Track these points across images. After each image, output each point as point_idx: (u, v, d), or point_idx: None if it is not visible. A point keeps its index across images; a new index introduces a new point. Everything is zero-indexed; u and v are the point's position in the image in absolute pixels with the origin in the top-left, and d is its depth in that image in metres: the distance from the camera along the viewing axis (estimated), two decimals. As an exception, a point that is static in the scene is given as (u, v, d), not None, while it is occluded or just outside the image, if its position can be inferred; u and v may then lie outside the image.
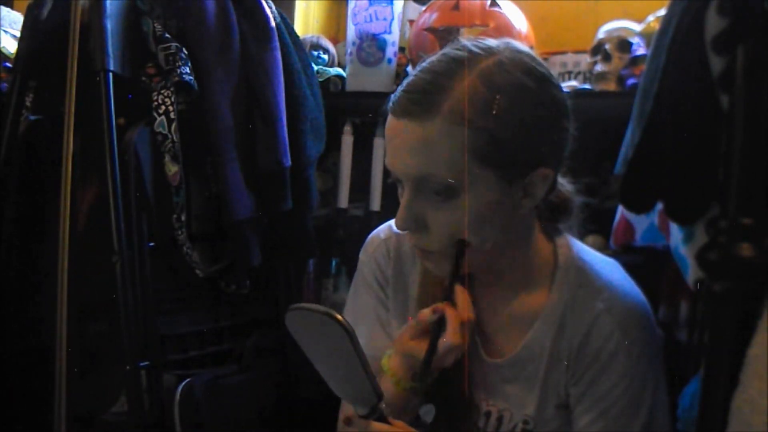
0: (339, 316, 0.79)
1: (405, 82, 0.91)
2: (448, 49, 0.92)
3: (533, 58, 0.91)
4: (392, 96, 0.92)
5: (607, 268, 1.00)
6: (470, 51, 0.89)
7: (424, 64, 0.92)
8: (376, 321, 1.07)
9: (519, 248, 0.98)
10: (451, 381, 0.98)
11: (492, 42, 0.92)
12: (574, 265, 0.99)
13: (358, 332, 1.03)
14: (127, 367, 1.34)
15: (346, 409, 0.95)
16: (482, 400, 1.01)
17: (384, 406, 0.93)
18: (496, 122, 0.86)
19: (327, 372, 0.86)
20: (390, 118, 0.91)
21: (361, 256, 1.11)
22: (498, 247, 0.94)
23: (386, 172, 1.77)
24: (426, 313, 0.92)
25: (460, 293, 0.92)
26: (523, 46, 0.93)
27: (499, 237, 0.93)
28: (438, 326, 0.91)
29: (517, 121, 0.87)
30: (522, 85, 0.88)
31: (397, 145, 0.90)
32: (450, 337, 0.89)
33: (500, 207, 0.90)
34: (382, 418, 0.87)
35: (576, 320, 0.96)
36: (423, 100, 0.87)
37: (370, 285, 1.08)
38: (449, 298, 0.93)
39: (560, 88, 0.93)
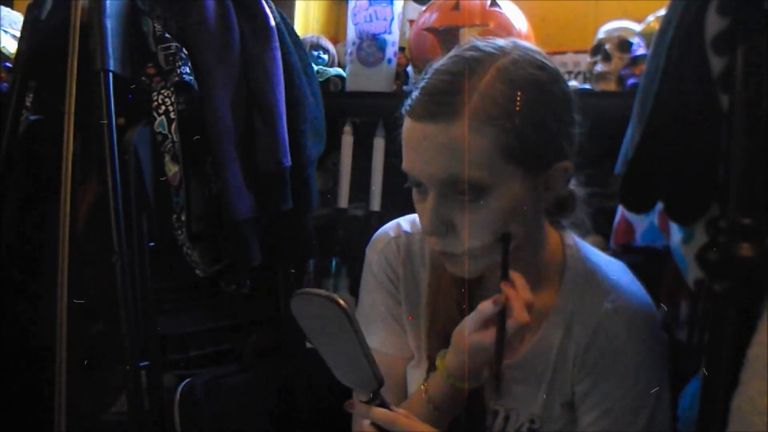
0: (340, 300, 0.79)
1: (421, 85, 0.91)
2: (459, 50, 0.92)
3: (542, 55, 0.94)
4: (408, 100, 0.91)
5: (615, 270, 1.02)
6: (484, 51, 0.90)
7: (438, 67, 0.91)
8: (389, 317, 1.06)
9: (532, 245, 0.98)
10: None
11: (501, 41, 0.93)
12: (583, 266, 1.00)
13: (371, 330, 1.04)
14: (127, 367, 1.34)
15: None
16: (490, 399, 1.01)
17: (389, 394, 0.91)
18: (518, 118, 0.87)
19: (330, 357, 0.86)
20: (409, 122, 0.90)
21: (369, 253, 1.10)
22: (516, 246, 0.94)
23: (387, 172, 1.78)
24: (487, 305, 0.90)
25: (518, 278, 0.90)
26: (530, 45, 0.95)
27: (522, 234, 0.93)
28: (503, 313, 0.89)
29: (537, 116, 0.88)
30: (538, 81, 0.89)
31: (418, 148, 0.89)
32: (518, 315, 0.87)
33: (526, 202, 0.91)
34: (384, 404, 0.87)
35: (584, 320, 0.97)
36: (444, 101, 0.87)
37: (381, 283, 1.07)
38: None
39: (567, 82, 0.96)
